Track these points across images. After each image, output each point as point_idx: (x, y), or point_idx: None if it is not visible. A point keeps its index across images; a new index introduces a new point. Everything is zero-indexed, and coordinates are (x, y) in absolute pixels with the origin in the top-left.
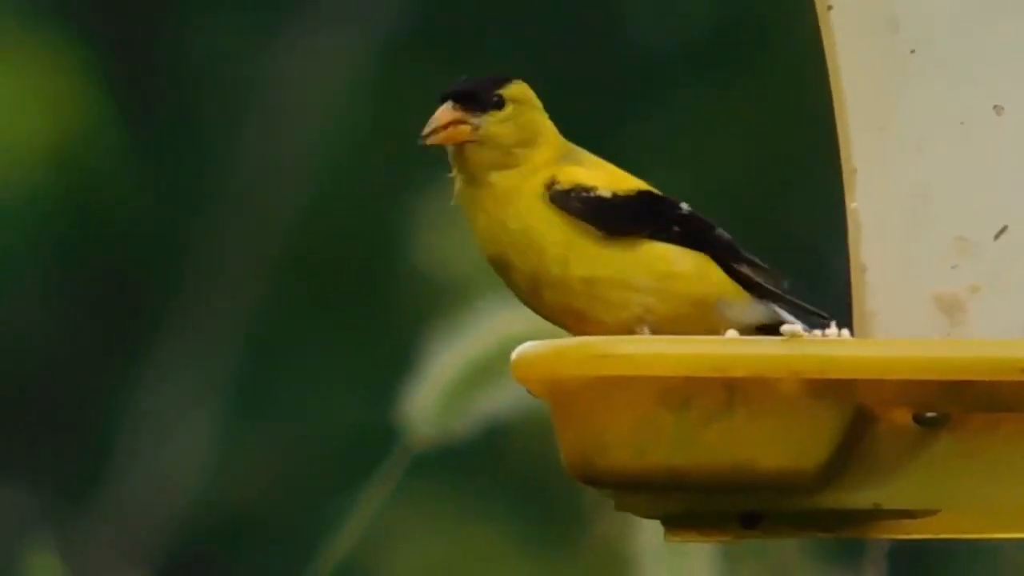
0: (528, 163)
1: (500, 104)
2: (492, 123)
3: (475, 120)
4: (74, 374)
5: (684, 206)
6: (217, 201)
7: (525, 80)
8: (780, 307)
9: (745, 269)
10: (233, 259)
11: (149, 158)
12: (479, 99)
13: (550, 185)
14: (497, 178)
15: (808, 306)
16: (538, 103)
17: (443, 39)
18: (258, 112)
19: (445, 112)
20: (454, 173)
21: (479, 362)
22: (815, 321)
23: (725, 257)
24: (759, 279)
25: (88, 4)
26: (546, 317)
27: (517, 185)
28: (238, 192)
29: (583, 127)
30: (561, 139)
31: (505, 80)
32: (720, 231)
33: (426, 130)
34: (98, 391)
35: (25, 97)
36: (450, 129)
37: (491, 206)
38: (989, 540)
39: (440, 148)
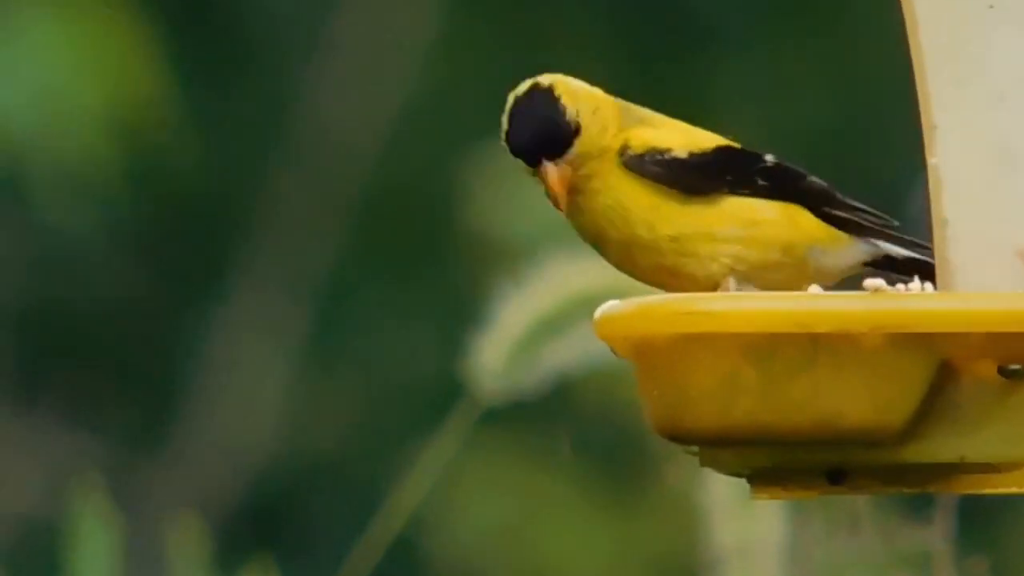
0: (601, 148)
1: (578, 129)
2: (580, 148)
3: (568, 157)
4: (145, 325)
5: (769, 158)
6: (282, 159)
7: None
8: (884, 242)
9: (842, 213)
10: (300, 214)
11: (212, 118)
12: (561, 140)
13: (623, 151)
14: (578, 176)
15: (912, 239)
16: (583, 94)
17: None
18: (320, 70)
19: (556, 176)
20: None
21: (546, 316)
22: (923, 252)
23: (819, 203)
24: (858, 219)
25: None
26: (641, 279)
27: (596, 161)
28: (302, 150)
29: (658, 83)
30: (618, 105)
31: (554, 100)
32: (813, 179)
33: (559, 203)
34: (168, 343)
35: (84, 61)
36: (564, 185)
37: (585, 193)
38: None
39: (499, 114)
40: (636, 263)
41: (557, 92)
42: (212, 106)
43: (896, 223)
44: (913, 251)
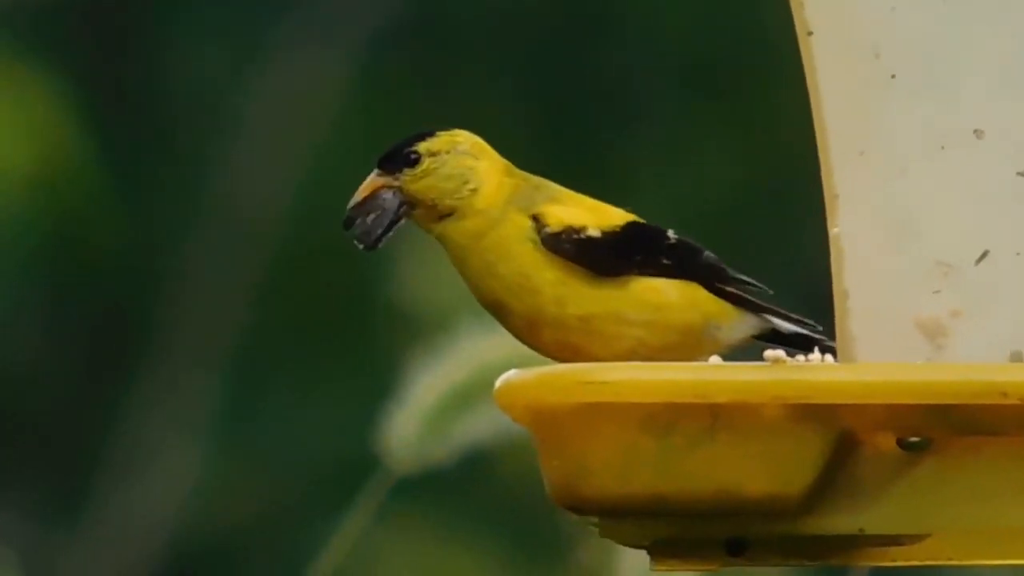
0: (470, 210)
1: (416, 160)
2: (409, 181)
3: (396, 182)
4: (58, 401)
5: (671, 234)
6: (198, 230)
7: (497, 92)
8: (771, 316)
9: (733, 288)
10: (215, 287)
11: (130, 187)
12: (396, 159)
13: (539, 228)
14: (449, 230)
15: (797, 316)
16: (469, 145)
17: (427, 57)
18: (238, 139)
19: (369, 181)
20: None
21: (459, 388)
22: (809, 328)
23: (713, 279)
24: (747, 295)
25: (65, 34)
26: (544, 353)
27: (486, 231)
28: (218, 221)
29: (570, 147)
30: (519, 176)
31: (430, 132)
32: (707, 254)
33: (352, 201)
34: (83, 418)
35: (4, 128)
36: (367, 191)
37: (473, 256)
38: (974, 566)
39: None
40: (539, 338)
41: (434, 134)
42: (128, 178)
43: (771, 292)
44: (799, 326)
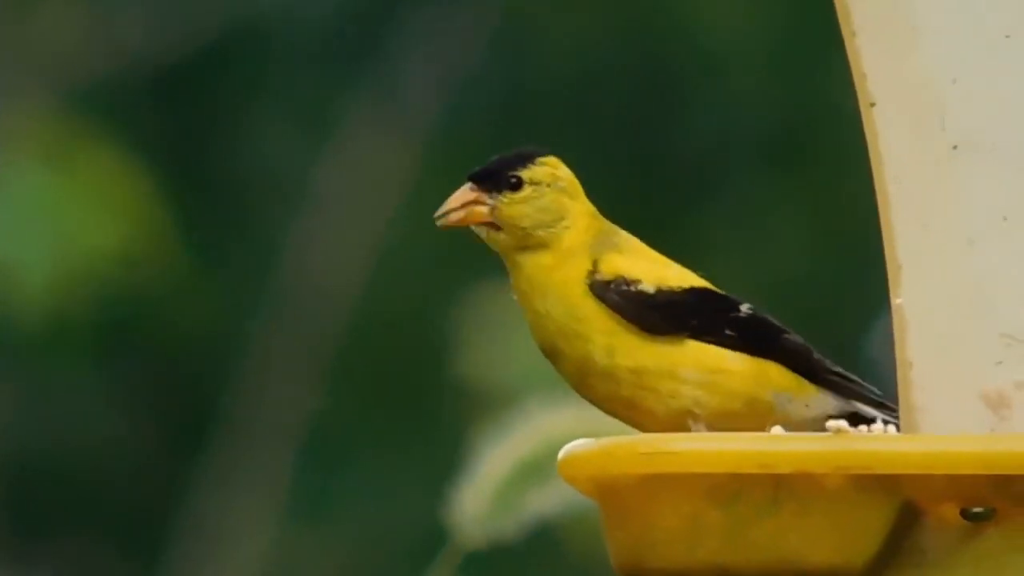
0: (555, 246)
1: (517, 185)
2: (507, 205)
3: (491, 201)
4: (134, 478)
5: (744, 308)
6: (271, 307)
7: (572, 161)
8: (855, 400)
9: (819, 375)
10: (287, 364)
11: (207, 265)
12: (497, 179)
13: (591, 273)
14: (526, 261)
15: (882, 398)
16: (567, 183)
17: (502, 129)
18: (311, 217)
19: (462, 193)
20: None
21: (527, 462)
22: (890, 414)
23: (793, 362)
24: (833, 379)
25: (145, 114)
26: (597, 405)
27: (555, 269)
28: (291, 299)
29: (645, 217)
30: (601, 221)
31: (530, 158)
32: (790, 336)
33: (440, 210)
34: (159, 495)
35: (87, 206)
36: (464, 210)
37: (536, 292)
38: None
39: (490, 249)
40: (591, 387)
41: (536, 159)
42: (205, 256)
43: (876, 392)
44: (881, 411)
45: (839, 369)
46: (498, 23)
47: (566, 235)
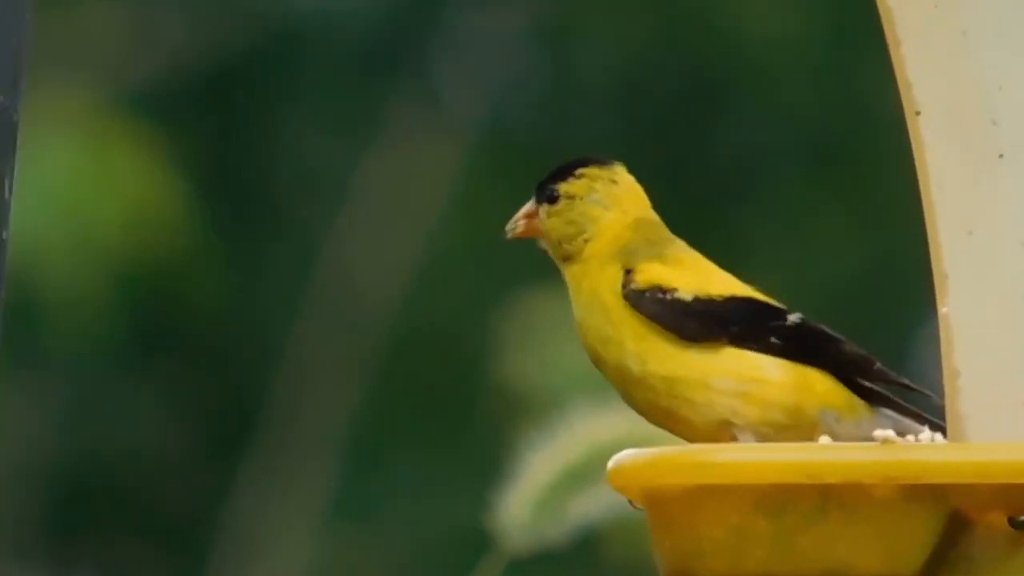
0: (578, 257)
1: (554, 198)
2: (545, 216)
3: (542, 212)
4: (173, 482)
5: (793, 317)
6: (312, 312)
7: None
8: (904, 417)
9: (875, 386)
10: (328, 368)
11: (246, 270)
12: (542, 192)
13: (626, 283)
14: (566, 271)
15: (933, 419)
16: (602, 194)
17: (538, 144)
18: (349, 217)
19: (527, 205)
20: None
21: (572, 468)
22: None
23: (851, 372)
24: (887, 392)
25: (183, 116)
26: (640, 413)
27: (583, 279)
28: (328, 301)
29: (689, 220)
30: (644, 231)
31: (571, 169)
32: (848, 345)
33: (509, 224)
34: (199, 498)
35: (113, 192)
36: (523, 223)
37: (575, 301)
38: None
39: (533, 255)
40: (632, 397)
41: (583, 168)
42: (244, 260)
43: (932, 396)
44: (934, 430)
45: (905, 380)
46: (541, 26)
47: (587, 247)
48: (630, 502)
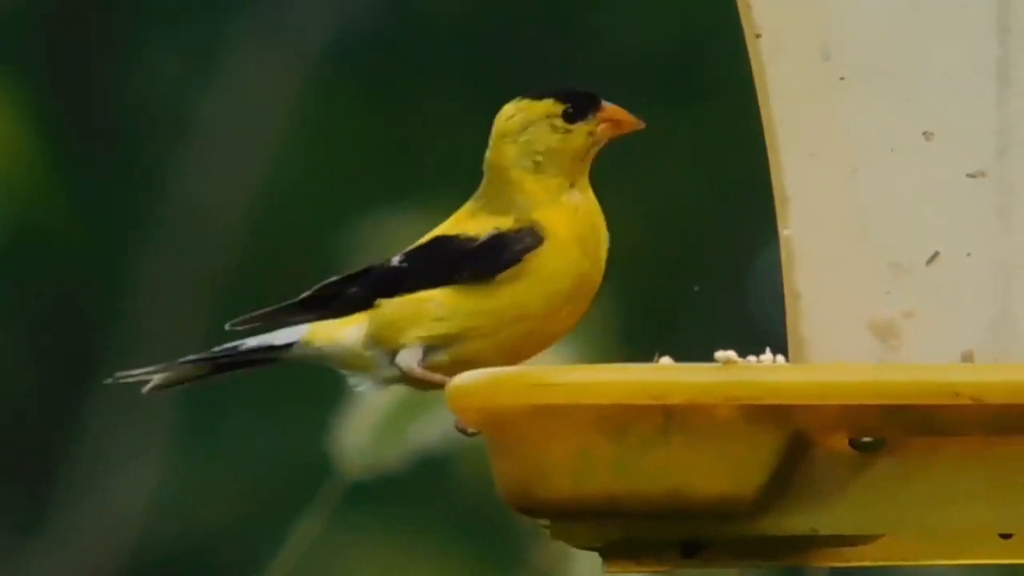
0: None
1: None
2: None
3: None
4: (20, 410)
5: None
6: (154, 235)
7: (457, 88)
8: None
9: None
10: (171, 296)
11: (87, 196)
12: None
13: None
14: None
15: None
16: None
17: (382, 67)
18: (195, 143)
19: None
20: None
21: (411, 393)
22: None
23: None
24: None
25: (24, 44)
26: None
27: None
28: (175, 229)
29: None
30: None
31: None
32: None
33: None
34: (45, 426)
35: None
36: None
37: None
38: (929, 566)
39: (379, 179)
40: None
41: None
42: (84, 186)
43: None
44: None
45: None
46: None
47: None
48: (462, 428)
